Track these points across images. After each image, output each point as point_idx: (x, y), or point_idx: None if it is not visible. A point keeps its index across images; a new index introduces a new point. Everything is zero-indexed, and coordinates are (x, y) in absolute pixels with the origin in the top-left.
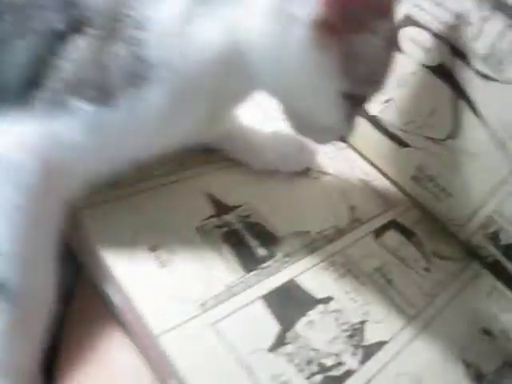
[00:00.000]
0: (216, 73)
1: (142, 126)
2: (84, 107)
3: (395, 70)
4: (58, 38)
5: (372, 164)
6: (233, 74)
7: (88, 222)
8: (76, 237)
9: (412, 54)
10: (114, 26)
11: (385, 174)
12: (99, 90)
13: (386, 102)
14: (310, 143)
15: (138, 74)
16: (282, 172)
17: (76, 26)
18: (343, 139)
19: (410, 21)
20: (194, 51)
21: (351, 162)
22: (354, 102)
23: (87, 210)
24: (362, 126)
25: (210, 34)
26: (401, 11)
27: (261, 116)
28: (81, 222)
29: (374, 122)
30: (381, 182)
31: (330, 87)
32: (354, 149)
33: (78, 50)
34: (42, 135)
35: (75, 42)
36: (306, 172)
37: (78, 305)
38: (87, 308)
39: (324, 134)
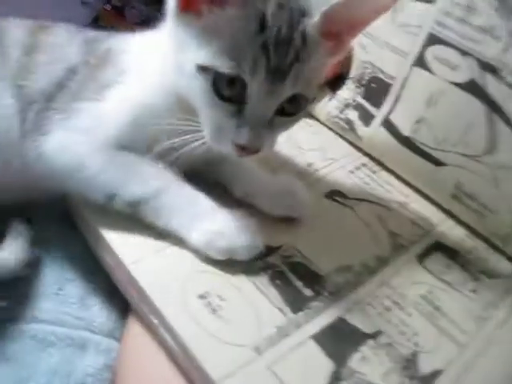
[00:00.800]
0: (165, 80)
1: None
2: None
3: (422, 89)
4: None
5: (410, 185)
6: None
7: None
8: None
9: (438, 72)
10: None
11: (424, 195)
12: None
13: (417, 122)
14: (303, 194)
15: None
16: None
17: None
18: (252, 149)
19: (433, 39)
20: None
21: (387, 185)
22: (219, 87)
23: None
24: (395, 147)
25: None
26: (423, 31)
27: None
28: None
29: (408, 142)
30: (420, 203)
31: (191, 60)
32: (390, 171)
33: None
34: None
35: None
36: (343, 200)
37: (131, 341)
38: (141, 347)
39: (223, 140)
